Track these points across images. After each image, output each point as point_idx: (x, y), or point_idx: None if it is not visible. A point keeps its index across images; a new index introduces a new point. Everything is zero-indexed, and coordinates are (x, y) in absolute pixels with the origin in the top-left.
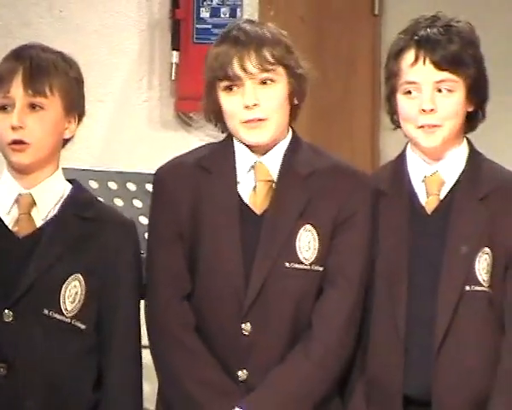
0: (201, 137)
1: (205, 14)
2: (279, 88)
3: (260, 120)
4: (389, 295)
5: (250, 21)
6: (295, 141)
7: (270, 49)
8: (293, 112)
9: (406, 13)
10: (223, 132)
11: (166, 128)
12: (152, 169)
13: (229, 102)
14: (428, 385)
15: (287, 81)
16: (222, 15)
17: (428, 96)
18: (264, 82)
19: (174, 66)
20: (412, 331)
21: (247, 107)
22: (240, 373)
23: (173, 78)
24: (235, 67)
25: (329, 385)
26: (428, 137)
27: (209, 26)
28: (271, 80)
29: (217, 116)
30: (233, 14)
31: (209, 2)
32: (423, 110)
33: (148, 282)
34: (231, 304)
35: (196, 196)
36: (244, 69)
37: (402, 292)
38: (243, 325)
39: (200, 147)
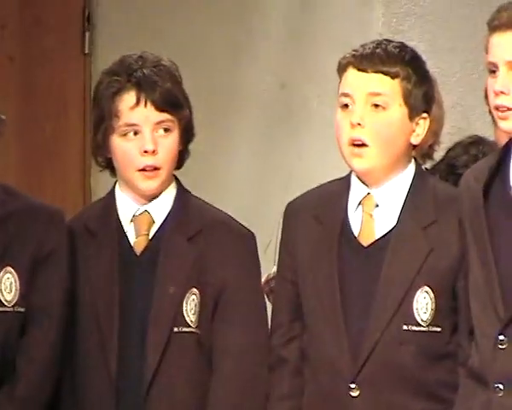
0: None
1: None
2: None
3: None
4: (100, 338)
5: None
6: None
7: None
8: None
9: (117, 50)
10: None
11: None
12: None
13: None
14: None
15: None
16: None
17: (149, 137)
18: None
19: None
20: (124, 374)
21: None
22: None
23: None
24: None
25: None
26: (147, 181)
27: None
28: None
29: None
30: None
31: None
32: (145, 151)
33: None
34: None
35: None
36: None
37: (113, 336)
38: None
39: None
